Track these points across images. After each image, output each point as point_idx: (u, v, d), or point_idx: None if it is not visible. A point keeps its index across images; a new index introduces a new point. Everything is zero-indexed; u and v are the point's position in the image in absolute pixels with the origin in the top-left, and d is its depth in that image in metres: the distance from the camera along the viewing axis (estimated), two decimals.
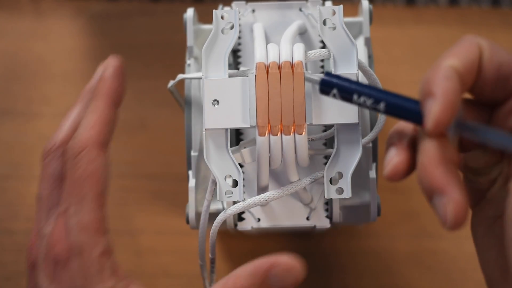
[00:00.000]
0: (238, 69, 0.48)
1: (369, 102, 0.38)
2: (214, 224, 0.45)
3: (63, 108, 0.63)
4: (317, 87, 0.41)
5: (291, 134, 0.43)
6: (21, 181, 0.62)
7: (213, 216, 0.47)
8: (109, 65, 0.45)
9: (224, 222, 0.46)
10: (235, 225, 0.48)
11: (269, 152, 0.43)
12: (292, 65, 0.43)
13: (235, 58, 0.49)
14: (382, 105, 0.38)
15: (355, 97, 0.38)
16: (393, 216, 0.60)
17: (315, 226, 0.47)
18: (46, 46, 0.64)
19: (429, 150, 0.36)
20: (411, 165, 0.38)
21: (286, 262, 0.40)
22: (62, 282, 0.41)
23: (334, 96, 0.39)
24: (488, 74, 0.37)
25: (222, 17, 0.44)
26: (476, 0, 0.64)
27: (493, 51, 0.37)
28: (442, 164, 0.36)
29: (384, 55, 0.61)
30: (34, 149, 0.62)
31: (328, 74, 0.40)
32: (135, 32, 0.64)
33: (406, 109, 0.37)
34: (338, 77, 0.40)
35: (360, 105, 0.38)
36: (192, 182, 0.48)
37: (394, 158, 0.38)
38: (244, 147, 0.45)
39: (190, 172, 0.48)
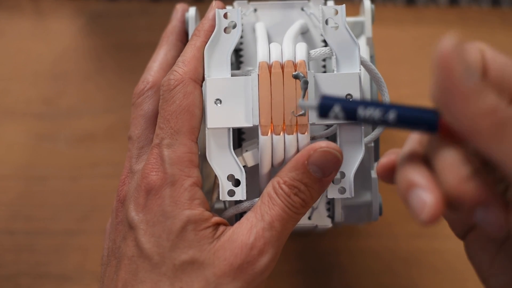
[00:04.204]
0: (239, 68, 0.48)
1: (376, 113, 0.35)
2: None
3: (63, 108, 0.63)
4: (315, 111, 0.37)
5: (294, 133, 0.43)
6: (21, 181, 0.61)
7: None
8: (213, 6, 0.46)
9: None
10: None
11: (272, 151, 0.43)
12: (294, 65, 0.43)
13: (237, 57, 0.49)
14: (392, 116, 0.34)
15: (360, 110, 0.35)
16: (393, 216, 0.60)
17: (316, 225, 0.47)
18: (46, 46, 0.64)
19: (451, 166, 0.33)
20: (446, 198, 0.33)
21: (320, 147, 0.42)
22: (152, 210, 0.42)
23: (336, 117, 0.36)
24: None
25: (224, 16, 0.45)
26: (476, 0, 0.64)
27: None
28: (472, 177, 0.32)
29: (384, 54, 0.61)
30: (34, 149, 0.62)
31: (324, 97, 0.36)
32: (135, 32, 0.64)
33: (418, 117, 0.34)
34: (335, 98, 0.36)
35: (365, 121, 0.35)
36: None
37: (428, 201, 0.33)
38: (246, 150, 0.45)
39: None
